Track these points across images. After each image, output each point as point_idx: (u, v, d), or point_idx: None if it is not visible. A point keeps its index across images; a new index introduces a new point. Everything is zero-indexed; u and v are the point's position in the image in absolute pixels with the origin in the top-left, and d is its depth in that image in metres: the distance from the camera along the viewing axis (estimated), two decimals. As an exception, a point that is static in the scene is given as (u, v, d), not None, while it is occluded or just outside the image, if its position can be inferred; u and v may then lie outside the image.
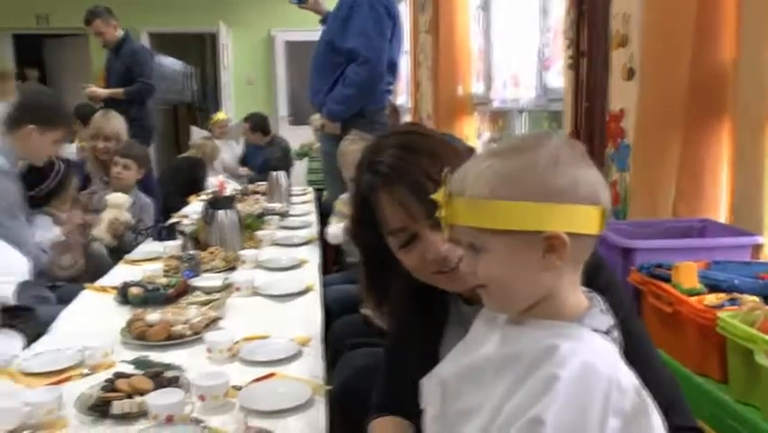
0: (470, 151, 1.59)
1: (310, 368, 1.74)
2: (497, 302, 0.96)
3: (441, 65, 5.11)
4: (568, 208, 0.89)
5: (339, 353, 2.21)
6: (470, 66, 5.01)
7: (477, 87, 4.96)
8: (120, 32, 5.50)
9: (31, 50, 9.03)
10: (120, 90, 5.23)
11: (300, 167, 6.57)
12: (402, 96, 7.05)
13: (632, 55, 2.52)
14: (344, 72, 3.72)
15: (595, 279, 1.03)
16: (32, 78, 9.06)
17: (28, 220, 2.84)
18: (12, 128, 2.81)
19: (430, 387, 1.05)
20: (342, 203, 3.16)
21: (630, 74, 2.53)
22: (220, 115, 6.71)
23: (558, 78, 3.42)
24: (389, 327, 1.43)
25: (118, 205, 3.29)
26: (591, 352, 0.86)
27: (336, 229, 3.13)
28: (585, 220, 0.90)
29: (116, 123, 4.01)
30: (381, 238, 1.27)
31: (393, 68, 3.91)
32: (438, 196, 0.96)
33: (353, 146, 3.05)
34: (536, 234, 0.88)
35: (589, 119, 2.80)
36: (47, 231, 2.96)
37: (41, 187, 3.06)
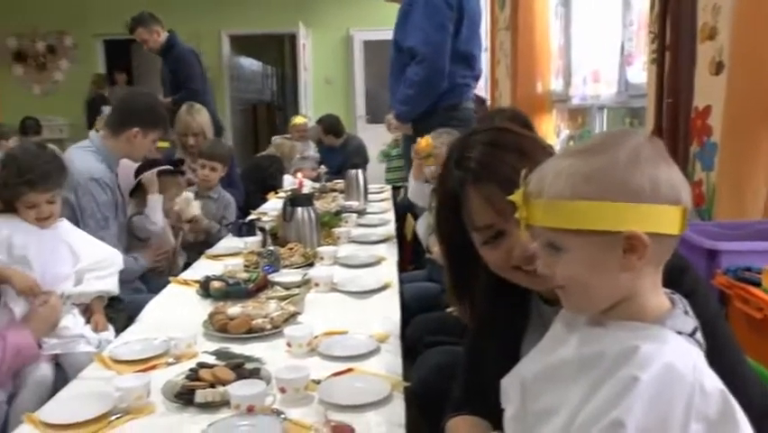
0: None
1: (388, 364, 1.75)
2: (575, 303, 0.95)
3: (519, 62, 5.04)
4: (648, 208, 0.87)
5: (416, 350, 2.21)
6: (550, 62, 4.93)
7: (556, 84, 4.87)
8: (163, 37, 5.44)
9: (119, 55, 9.41)
10: (168, 100, 5.15)
11: (378, 165, 6.60)
12: (480, 93, 6.98)
13: (721, 48, 2.42)
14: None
15: (680, 281, 1.01)
16: (121, 81, 9.43)
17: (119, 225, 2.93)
18: (117, 131, 2.89)
19: (510, 387, 1.05)
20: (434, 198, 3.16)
21: (718, 68, 2.43)
22: (298, 119, 6.81)
23: (640, 74, 3.32)
24: (470, 324, 1.43)
25: (188, 205, 3.37)
26: (674, 354, 0.84)
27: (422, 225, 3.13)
28: (666, 220, 0.88)
29: (200, 118, 4.17)
30: (466, 233, 1.26)
31: (468, 60, 3.79)
32: (516, 197, 0.96)
33: (436, 141, 3.03)
34: (616, 235, 0.87)
35: (673, 116, 2.71)
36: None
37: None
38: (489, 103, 6.39)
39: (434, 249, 2.76)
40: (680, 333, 0.88)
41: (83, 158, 2.81)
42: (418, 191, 3.09)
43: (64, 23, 8.90)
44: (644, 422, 0.80)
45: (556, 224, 0.90)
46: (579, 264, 0.90)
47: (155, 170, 3.04)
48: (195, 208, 3.39)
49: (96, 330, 2.20)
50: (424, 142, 2.92)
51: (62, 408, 1.55)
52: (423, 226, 3.15)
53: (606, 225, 0.87)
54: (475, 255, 1.27)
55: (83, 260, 2.26)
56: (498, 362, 1.15)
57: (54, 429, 1.46)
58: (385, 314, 2.16)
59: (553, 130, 4.89)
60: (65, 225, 2.31)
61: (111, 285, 2.32)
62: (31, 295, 2.06)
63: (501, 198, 1.16)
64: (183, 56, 5.40)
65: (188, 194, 3.44)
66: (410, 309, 2.48)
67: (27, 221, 2.20)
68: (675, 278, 0.99)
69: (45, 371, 2.04)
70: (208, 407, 1.51)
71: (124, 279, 2.67)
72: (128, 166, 3.04)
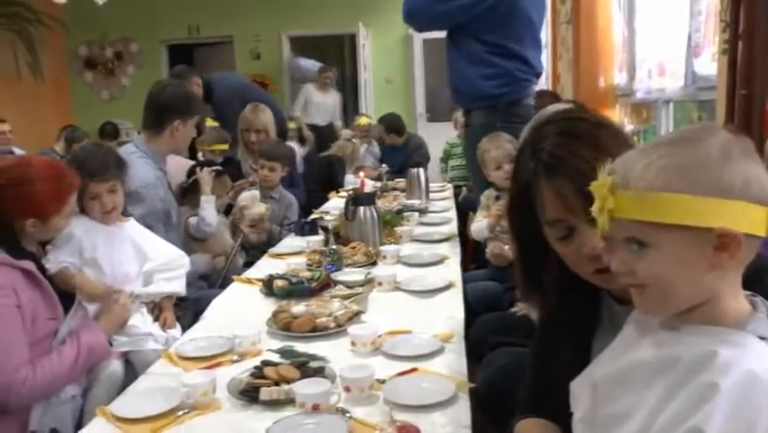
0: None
1: (452, 364, 1.73)
2: (652, 303, 0.91)
3: (581, 56, 4.94)
4: (741, 206, 0.84)
5: (481, 350, 2.18)
6: (613, 56, 4.81)
7: (619, 78, 4.74)
8: (200, 87, 5.35)
9: (182, 59, 9.61)
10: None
11: (440, 163, 6.57)
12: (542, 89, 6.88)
13: (801, 36, 2.31)
14: None
15: (762, 282, 0.95)
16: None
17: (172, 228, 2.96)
18: (158, 129, 2.90)
19: (580, 389, 1.02)
20: (487, 198, 3.12)
21: (798, 57, 2.32)
22: (362, 120, 6.82)
23: (710, 65, 3.19)
24: (538, 322, 1.39)
25: (253, 202, 3.41)
26: (756, 360, 0.80)
27: (480, 225, 3.10)
28: (755, 219, 0.85)
29: (264, 116, 4.23)
30: (538, 227, 1.22)
31: (524, 59, 3.62)
32: (599, 187, 0.92)
33: (491, 144, 2.99)
34: (708, 231, 0.84)
35: (747, 109, 2.59)
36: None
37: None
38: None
39: (489, 247, 2.74)
40: (762, 338, 0.84)
41: (134, 164, 2.77)
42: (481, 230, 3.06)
43: (130, 30, 9.16)
44: (726, 431, 0.77)
45: (647, 216, 0.86)
46: (666, 261, 0.87)
47: (211, 169, 3.09)
48: (261, 207, 3.42)
49: (164, 328, 2.24)
50: None
51: (132, 402, 1.59)
52: (476, 227, 3.12)
53: (699, 221, 0.84)
54: (547, 251, 1.23)
55: (151, 259, 2.31)
56: (567, 363, 1.11)
57: (125, 423, 1.50)
58: (448, 313, 2.13)
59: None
60: (133, 225, 2.36)
61: (178, 286, 2.36)
62: (100, 301, 2.10)
63: (572, 193, 1.12)
64: (222, 103, 5.24)
65: (255, 192, 3.48)
66: (472, 309, 2.44)
67: (95, 219, 2.25)
68: (757, 279, 0.94)
69: (116, 367, 2.09)
70: (273, 404, 1.51)
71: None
72: (177, 167, 3.07)
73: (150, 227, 2.69)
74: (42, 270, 2.04)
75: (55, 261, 2.12)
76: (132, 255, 2.28)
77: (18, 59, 8.12)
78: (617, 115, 4.77)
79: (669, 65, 3.81)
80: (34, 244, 2.09)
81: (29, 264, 1.95)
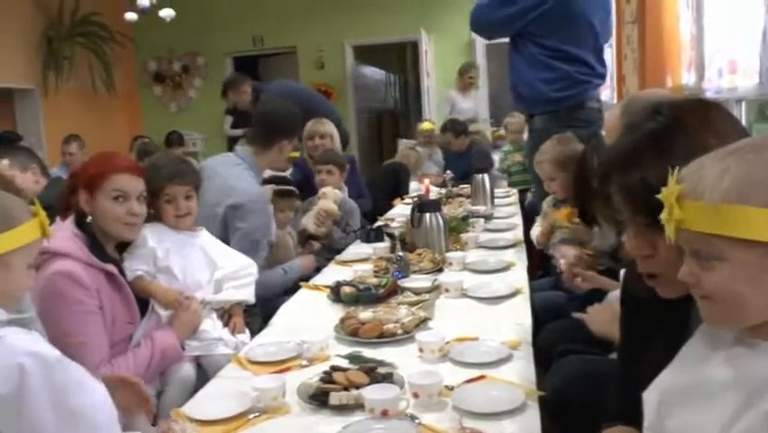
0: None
1: (521, 372, 1.70)
2: (720, 316, 0.88)
3: (648, 56, 4.82)
4: None
5: (549, 358, 2.15)
6: (680, 55, 4.67)
7: (687, 78, 4.59)
8: (250, 93, 5.69)
9: (247, 69, 9.81)
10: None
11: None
12: (606, 91, 6.73)
13: None
14: None
15: None
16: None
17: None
18: (267, 145, 3.00)
19: (648, 399, 0.99)
20: (547, 205, 3.08)
21: None
22: (426, 125, 6.83)
23: (787, 62, 3.08)
24: (623, 329, 1.36)
25: (327, 196, 3.44)
26: None
27: (536, 233, 3.06)
28: None
29: (328, 125, 4.28)
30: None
31: (585, 62, 3.65)
32: (665, 196, 0.88)
33: (542, 156, 2.95)
34: None
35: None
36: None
37: None
38: (615, 101, 6.16)
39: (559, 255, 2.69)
40: None
41: (242, 177, 2.92)
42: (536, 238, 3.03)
43: (196, 44, 9.40)
44: None
45: (717, 230, 0.82)
46: (735, 276, 0.82)
47: (275, 188, 3.15)
48: (334, 205, 3.46)
49: (234, 333, 2.28)
50: None
51: (204, 405, 1.63)
52: (533, 233, 3.08)
53: None
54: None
55: (220, 268, 2.35)
56: (651, 370, 1.08)
57: (198, 424, 1.53)
58: (515, 320, 2.11)
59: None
60: (204, 235, 2.41)
61: (248, 294, 2.39)
62: (173, 307, 2.16)
63: (636, 194, 1.08)
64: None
65: (338, 192, 3.51)
66: (539, 317, 2.41)
67: (168, 224, 2.31)
68: None
69: (188, 370, 2.14)
70: (342, 409, 1.52)
71: (271, 291, 2.81)
72: None
73: (256, 242, 2.79)
74: (123, 274, 2.11)
75: (130, 269, 2.18)
76: (203, 263, 2.32)
77: (94, 74, 8.47)
78: (686, 116, 4.64)
79: (741, 62, 3.68)
80: (113, 244, 2.15)
81: (112, 268, 2.02)
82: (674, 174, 0.89)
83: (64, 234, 2.00)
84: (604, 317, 1.86)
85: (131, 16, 6.16)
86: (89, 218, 2.07)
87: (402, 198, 4.99)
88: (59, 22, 8.05)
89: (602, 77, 3.81)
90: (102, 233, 2.09)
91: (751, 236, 0.80)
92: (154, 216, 2.30)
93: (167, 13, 5.93)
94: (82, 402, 1.28)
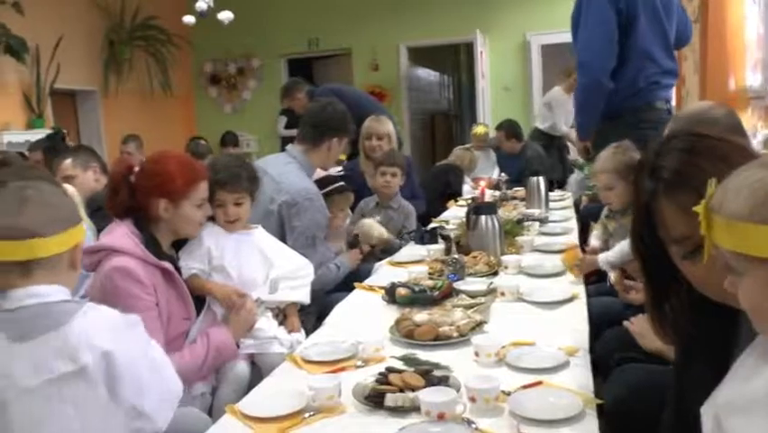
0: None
1: (578, 379, 1.67)
2: (758, 326, 0.86)
3: (710, 57, 4.69)
4: None
5: (606, 366, 2.10)
6: (745, 55, 4.53)
7: (752, 79, 4.46)
8: (305, 98, 5.72)
9: (301, 71, 9.91)
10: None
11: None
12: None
13: None
14: None
15: None
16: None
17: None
18: (317, 143, 3.06)
19: (705, 414, 0.97)
20: (603, 215, 3.02)
21: None
22: (480, 128, 6.78)
23: None
24: (674, 345, 1.32)
25: (369, 233, 3.43)
26: None
27: (595, 236, 3.01)
28: None
29: (388, 124, 4.28)
30: (663, 248, 1.17)
31: (652, 58, 3.51)
32: (700, 208, 0.87)
33: (600, 165, 2.88)
34: None
35: None
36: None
37: None
38: (673, 103, 6.00)
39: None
40: None
41: (299, 175, 2.97)
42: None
43: (252, 46, 9.53)
44: None
45: (733, 246, 0.81)
46: (757, 291, 0.81)
47: (328, 190, 3.16)
48: (377, 229, 3.44)
49: (289, 332, 2.29)
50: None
51: (259, 402, 1.63)
52: (596, 238, 3.02)
53: None
54: (675, 271, 1.18)
55: (276, 267, 2.37)
56: (706, 385, 1.04)
57: (253, 421, 1.54)
58: (572, 326, 2.07)
59: (748, 131, 4.47)
60: (260, 233, 2.43)
61: (303, 295, 2.41)
62: (231, 305, 2.18)
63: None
64: None
65: (369, 220, 3.50)
66: (595, 324, 2.35)
67: (219, 225, 2.34)
68: None
69: (243, 368, 2.16)
70: (398, 411, 1.51)
71: (325, 287, 2.86)
72: None
73: (313, 237, 2.84)
74: (179, 271, 2.14)
75: (186, 267, 2.22)
76: (258, 262, 2.34)
77: (151, 76, 8.68)
78: (749, 120, 4.49)
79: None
80: (169, 242, 2.19)
81: (168, 265, 2.05)
82: (712, 185, 0.88)
83: (120, 231, 2.05)
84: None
85: (189, 19, 6.26)
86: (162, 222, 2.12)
87: (456, 200, 4.96)
88: (120, 25, 8.28)
89: (671, 74, 3.65)
90: (162, 232, 2.12)
91: (763, 254, 0.78)
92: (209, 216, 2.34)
93: (225, 15, 6.01)
94: (158, 353, 1.48)
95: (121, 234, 2.03)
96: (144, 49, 8.61)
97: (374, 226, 3.43)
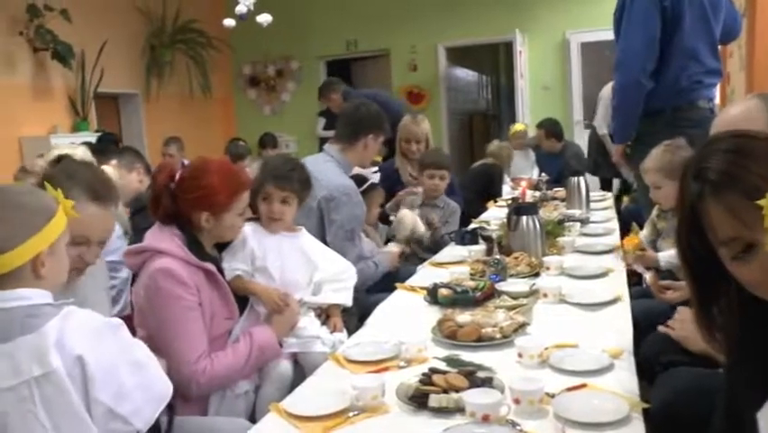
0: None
1: (623, 382, 1.65)
2: None
3: (757, 51, 4.55)
4: None
5: (650, 369, 2.07)
6: (796, 51, 4.41)
7: (802, 78, 4.35)
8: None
9: (340, 73, 9.97)
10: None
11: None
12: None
13: None
14: None
15: None
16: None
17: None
18: (353, 141, 3.12)
19: (763, 420, 0.94)
20: (654, 215, 2.98)
21: None
22: (518, 126, 6.75)
23: None
24: (724, 349, 1.30)
25: (403, 225, 3.44)
26: None
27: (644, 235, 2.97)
28: None
29: (424, 126, 4.31)
30: (710, 251, 1.15)
31: (696, 56, 3.42)
32: (765, 202, 0.84)
33: (650, 163, 2.84)
34: None
35: None
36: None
37: None
38: (717, 101, 5.87)
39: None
40: None
41: (334, 171, 3.03)
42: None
43: (290, 49, 9.61)
44: None
45: None
46: None
47: (363, 189, 3.19)
48: (412, 223, 3.45)
49: (332, 332, 2.31)
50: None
51: (303, 401, 1.65)
52: (645, 238, 2.98)
53: None
54: (722, 274, 1.16)
55: (320, 270, 2.37)
56: (758, 387, 1.03)
57: (298, 420, 1.55)
58: (616, 328, 2.05)
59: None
60: (304, 236, 2.45)
61: (345, 298, 2.41)
62: (274, 307, 2.20)
63: (747, 208, 1.04)
64: None
65: (408, 213, 3.51)
66: (638, 326, 2.32)
67: (262, 222, 2.36)
68: None
69: (286, 367, 2.18)
70: (442, 412, 1.52)
71: (365, 283, 2.88)
72: None
73: (351, 231, 2.89)
74: (221, 272, 2.17)
75: (229, 268, 2.24)
76: (301, 264, 2.35)
77: (192, 79, 8.80)
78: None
79: None
80: (212, 244, 2.21)
81: (210, 266, 2.08)
82: None
83: (163, 234, 2.08)
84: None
85: (229, 23, 6.32)
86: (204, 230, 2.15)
87: (495, 201, 4.94)
88: (161, 30, 8.41)
89: (714, 73, 3.57)
90: (205, 235, 2.15)
91: None
92: (255, 216, 2.37)
93: (264, 18, 6.05)
94: (142, 354, 1.45)
95: (164, 236, 2.07)
96: (184, 52, 8.73)
97: (407, 220, 3.44)
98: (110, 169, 3.39)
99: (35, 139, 6.34)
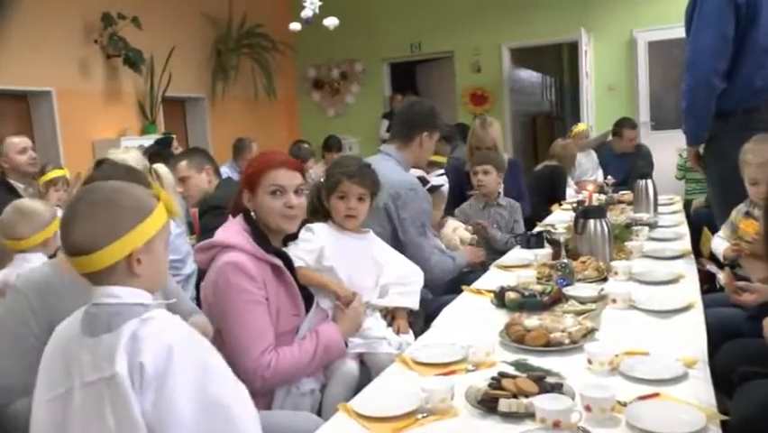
0: None
1: (698, 393, 1.61)
2: None
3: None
4: None
5: (727, 380, 2.01)
6: None
7: None
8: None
9: (404, 75, 9.99)
10: None
11: (666, 174, 6.17)
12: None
13: None
14: None
15: None
16: (398, 100, 9.97)
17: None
18: (408, 140, 3.14)
19: None
20: (738, 213, 2.88)
21: None
22: (581, 126, 6.64)
23: None
24: None
25: (450, 241, 3.43)
26: None
27: (717, 244, 2.88)
28: None
29: (493, 131, 4.30)
30: None
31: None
32: None
33: (753, 155, 2.74)
34: None
35: None
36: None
37: None
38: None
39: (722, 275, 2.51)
40: None
41: (395, 169, 3.05)
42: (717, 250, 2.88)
43: (354, 51, 9.68)
44: None
45: None
46: None
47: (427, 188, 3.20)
48: (459, 235, 3.44)
49: (398, 333, 2.32)
50: None
51: (371, 401, 1.66)
52: (719, 244, 2.89)
53: None
54: None
55: (387, 272, 2.38)
56: None
57: (367, 420, 1.57)
58: (690, 336, 1.99)
59: None
60: (372, 238, 2.46)
61: (412, 302, 2.40)
62: (347, 296, 2.22)
63: None
64: None
65: (451, 225, 3.50)
66: (711, 335, 2.26)
67: (337, 221, 2.38)
68: None
69: (352, 367, 2.19)
70: (511, 417, 1.51)
71: (445, 275, 2.95)
72: None
73: (422, 225, 2.93)
74: (290, 268, 2.19)
75: (294, 255, 2.25)
76: (369, 266, 2.37)
77: (256, 82, 8.95)
78: None
79: None
80: (276, 237, 2.22)
81: (277, 261, 2.11)
82: None
83: (234, 228, 2.13)
84: None
85: (295, 26, 6.40)
86: (253, 214, 2.18)
87: (560, 204, 4.88)
88: (227, 35, 8.59)
89: None
90: (266, 227, 2.18)
91: None
92: (325, 216, 2.39)
93: (330, 21, 6.09)
94: (222, 392, 1.32)
95: (233, 231, 2.11)
96: (249, 56, 8.89)
97: (450, 233, 3.41)
98: (163, 168, 3.45)
99: (107, 141, 6.56)
